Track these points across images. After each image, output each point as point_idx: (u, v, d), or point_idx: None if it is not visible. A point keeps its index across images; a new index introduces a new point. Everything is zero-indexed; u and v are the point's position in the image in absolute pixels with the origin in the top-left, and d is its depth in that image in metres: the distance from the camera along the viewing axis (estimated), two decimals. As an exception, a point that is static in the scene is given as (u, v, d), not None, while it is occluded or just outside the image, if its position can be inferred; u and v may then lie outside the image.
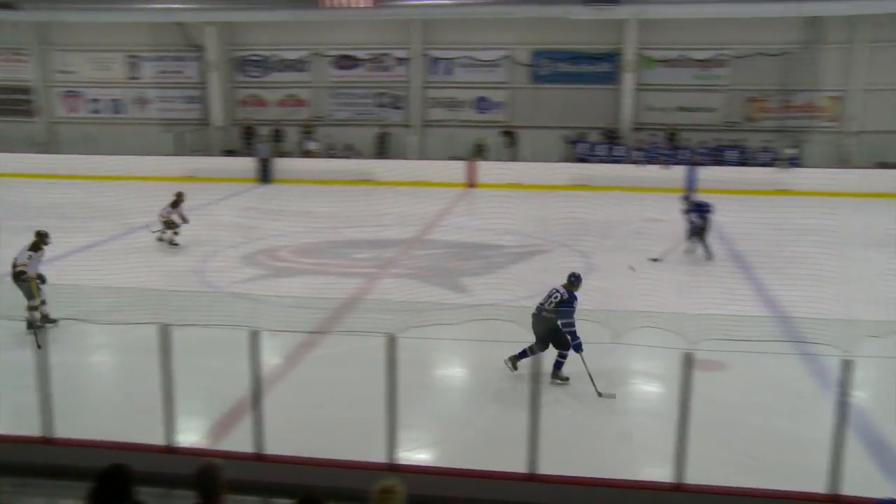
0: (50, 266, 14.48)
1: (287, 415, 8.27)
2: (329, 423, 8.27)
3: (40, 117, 31.28)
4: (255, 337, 6.84)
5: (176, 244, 16.74)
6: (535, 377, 6.37)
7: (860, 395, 8.85)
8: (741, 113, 27.97)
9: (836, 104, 27.44)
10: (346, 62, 29.84)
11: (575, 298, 9.09)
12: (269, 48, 30.06)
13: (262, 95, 30.42)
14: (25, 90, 31.23)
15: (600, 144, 27.07)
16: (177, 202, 16.99)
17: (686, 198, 16.43)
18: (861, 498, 6.05)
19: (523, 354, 9.15)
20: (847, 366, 6.02)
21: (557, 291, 9.26)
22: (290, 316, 9.44)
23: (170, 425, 6.88)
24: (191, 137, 29.45)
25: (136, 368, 9.43)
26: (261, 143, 27.81)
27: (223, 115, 29.93)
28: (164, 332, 6.81)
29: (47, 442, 6.80)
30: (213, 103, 29.85)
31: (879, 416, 8.37)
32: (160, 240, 16.82)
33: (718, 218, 19.05)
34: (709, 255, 15.81)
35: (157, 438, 6.91)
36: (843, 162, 26.16)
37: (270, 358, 9.79)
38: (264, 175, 26.96)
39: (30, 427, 6.87)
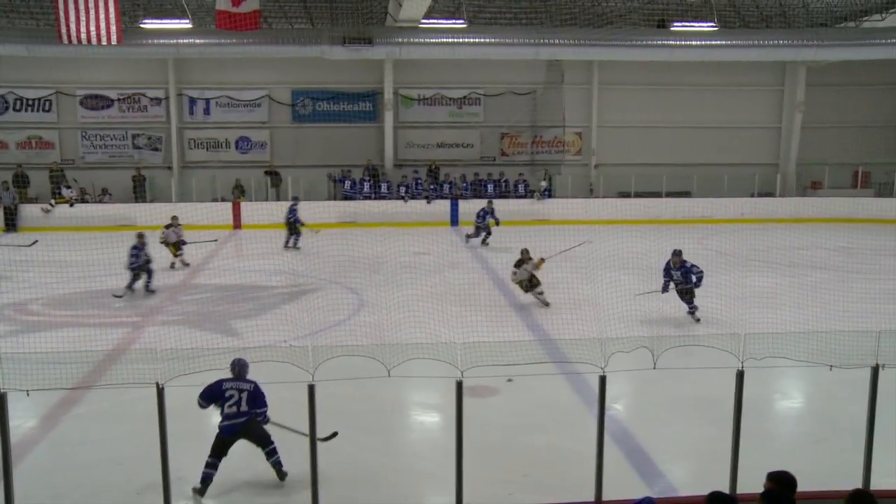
0: None
1: (47, 480, 7.68)
2: (97, 483, 7.76)
3: None
4: (1, 399, 6.34)
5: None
6: (312, 416, 6.36)
7: (617, 408, 9.65)
8: (496, 148, 29.60)
9: (579, 139, 29.79)
10: (95, 102, 28.36)
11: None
12: (5, 85, 27.82)
13: (2, 137, 28.10)
14: None
15: (365, 182, 27.51)
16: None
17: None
18: (621, 500, 6.57)
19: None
20: (602, 381, 6.54)
21: (687, 269, 13.60)
22: (44, 373, 8.75)
23: None
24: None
25: None
26: (5, 190, 25.64)
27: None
28: None
29: None
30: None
31: (634, 425, 9.14)
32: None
33: (484, 251, 19.99)
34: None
35: None
36: (590, 192, 28.38)
37: (23, 421, 9.07)
38: (9, 223, 24.87)
39: None
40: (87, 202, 26.54)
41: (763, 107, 30.36)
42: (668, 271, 13.96)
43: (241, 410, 7.53)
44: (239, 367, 7.74)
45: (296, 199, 22.57)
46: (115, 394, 9.72)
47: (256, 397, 7.61)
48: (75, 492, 7.64)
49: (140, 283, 16.16)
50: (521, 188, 27.88)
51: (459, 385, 6.34)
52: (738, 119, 29.98)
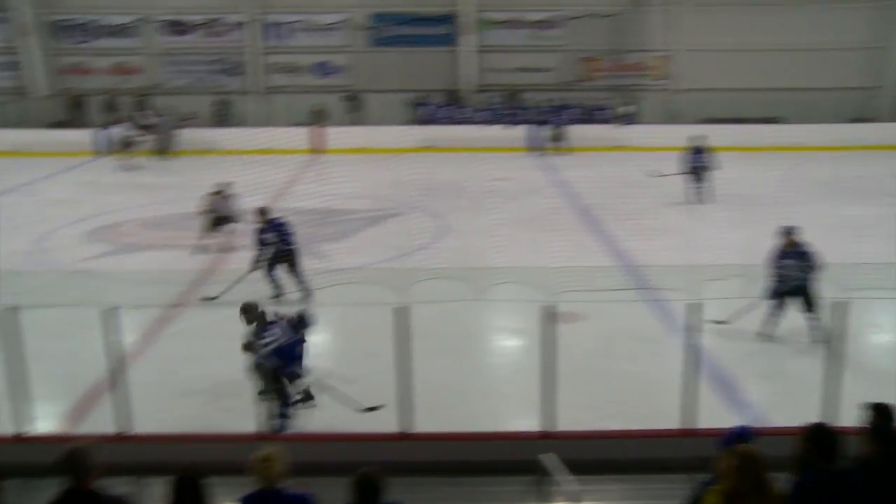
0: None
1: (149, 392, 7.95)
2: (196, 396, 8.05)
3: None
4: (110, 315, 6.55)
5: None
6: (402, 338, 6.42)
7: (705, 336, 9.48)
8: (576, 73, 28.89)
9: (664, 63, 28.85)
10: (177, 28, 28.54)
11: None
12: (92, 12, 28.19)
13: (89, 63, 28.61)
14: None
15: (444, 106, 27.31)
16: None
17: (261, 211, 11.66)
18: (712, 430, 6.51)
19: None
20: (694, 309, 6.42)
21: (803, 253, 9.04)
22: (142, 291, 9.07)
23: (19, 413, 6.51)
24: (10, 108, 27.31)
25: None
26: (163, 115, 25.66)
27: (45, 84, 27.95)
28: (10, 316, 6.41)
29: None
30: (32, 71, 27.78)
31: (721, 354, 8.98)
32: None
33: (567, 175, 19.54)
34: (278, 291, 11.17)
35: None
36: (674, 118, 27.57)
37: (125, 336, 9.38)
38: (165, 147, 25.00)
39: None
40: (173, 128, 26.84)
41: (862, 25, 28.72)
42: (780, 258, 9.26)
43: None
44: (299, 319, 7.49)
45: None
46: (209, 312, 10.01)
47: (287, 351, 7.24)
48: (178, 402, 7.94)
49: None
50: (602, 114, 27.28)
51: (549, 309, 6.30)
52: (834, 39, 28.46)
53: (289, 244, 11.19)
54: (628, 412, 7.61)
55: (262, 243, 11.18)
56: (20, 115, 27.45)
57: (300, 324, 7.52)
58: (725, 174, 16.79)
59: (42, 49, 27.89)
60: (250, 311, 7.59)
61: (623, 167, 20.43)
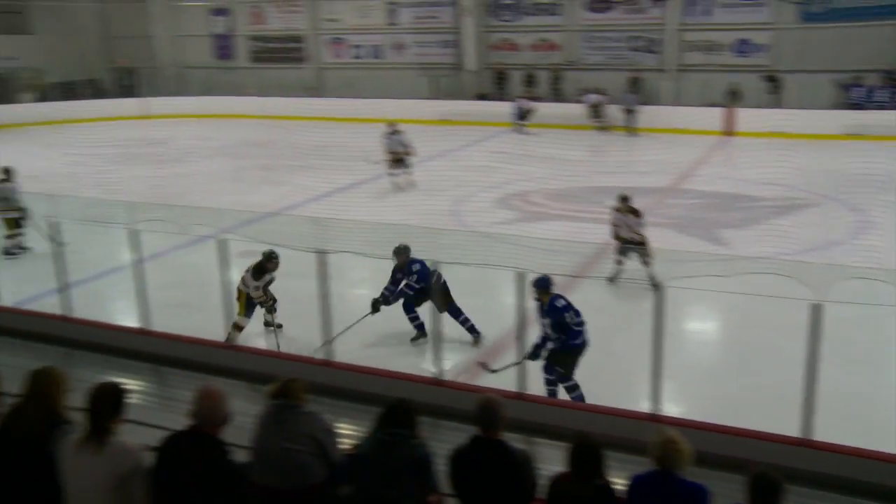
0: (317, 202, 15.69)
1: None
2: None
3: (310, 63, 33.49)
4: (521, 278, 6.91)
5: None
6: (816, 334, 5.92)
7: None
8: None
9: None
10: (599, 4, 29.10)
11: None
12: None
13: (514, 39, 30.46)
14: (298, 38, 33.64)
15: (880, 89, 24.56)
16: None
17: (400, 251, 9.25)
18: None
19: None
20: None
21: None
22: (546, 259, 9.43)
23: (437, 357, 7.15)
24: (445, 81, 30.16)
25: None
26: (630, 93, 26.53)
27: (476, 60, 30.34)
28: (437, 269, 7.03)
29: (327, 365, 7.32)
30: (466, 48, 30.33)
31: None
32: None
33: None
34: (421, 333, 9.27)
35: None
36: None
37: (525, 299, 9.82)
38: (631, 124, 25.47)
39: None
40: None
41: None
42: None
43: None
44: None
45: None
46: (608, 287, 10.09)
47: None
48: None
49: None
50: None
51: None
52: None
53: (424, 288, 8.95)
54: None
55: (404, 288, 9.17)
56: (453, 88, 30.18)
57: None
58: None
59: (477, 27, 30.26)
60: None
61: None
